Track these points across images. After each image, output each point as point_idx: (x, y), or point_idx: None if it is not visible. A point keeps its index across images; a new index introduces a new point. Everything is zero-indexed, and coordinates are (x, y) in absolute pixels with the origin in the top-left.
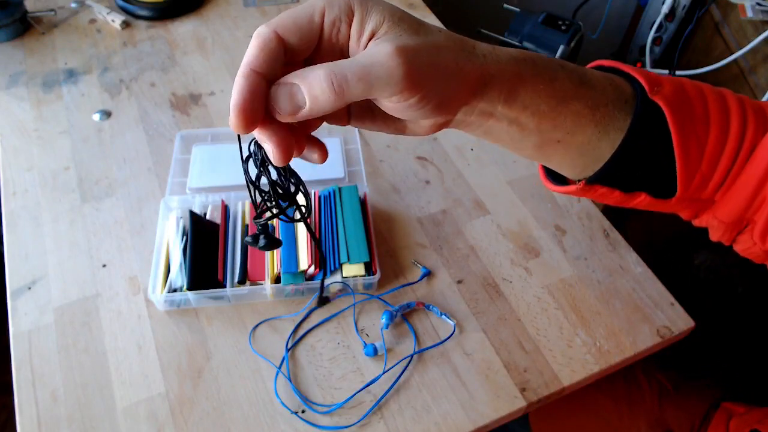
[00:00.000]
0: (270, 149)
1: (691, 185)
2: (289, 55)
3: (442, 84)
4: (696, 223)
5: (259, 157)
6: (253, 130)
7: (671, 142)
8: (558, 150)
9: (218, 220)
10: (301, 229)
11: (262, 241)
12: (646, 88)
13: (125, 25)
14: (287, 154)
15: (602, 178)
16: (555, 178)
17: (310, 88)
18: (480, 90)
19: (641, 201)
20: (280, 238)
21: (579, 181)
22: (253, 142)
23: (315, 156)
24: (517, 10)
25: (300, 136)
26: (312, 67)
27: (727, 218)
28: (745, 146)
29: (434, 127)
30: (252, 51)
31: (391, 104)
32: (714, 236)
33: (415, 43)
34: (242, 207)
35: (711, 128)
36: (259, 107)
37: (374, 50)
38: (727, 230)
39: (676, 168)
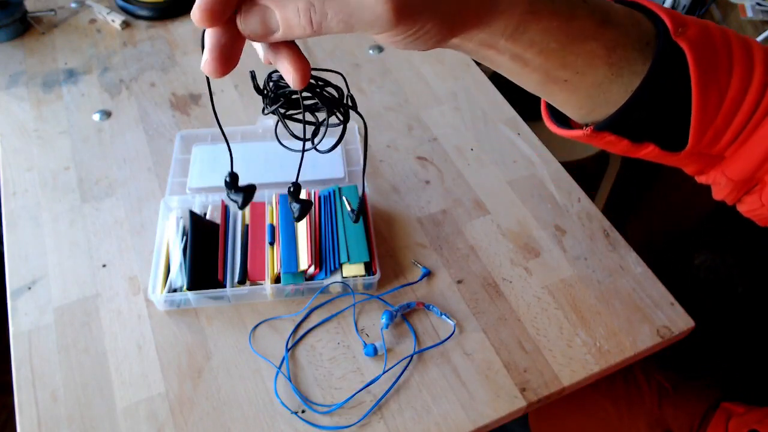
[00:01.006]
0: (290, 76)
1: (704, 138)
2: None
3: (436, 21)
4: (701, 179)
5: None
6: (212, 25)
7: (689, 90)
8: (564, 89)
9: (218, 220)
10: (301, 229)
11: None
12: (671, 28)
13: (125, 25)
14: (306, 74)
15: (612, 124)
16: (559, 119)
17: (286, 17)
18: (483, 23)
19: (649, 152)
20: (281, 236)
21: (586, 126)
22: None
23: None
24: None
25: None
26: None
27: (736, 176)
28: (765, 101)
29: (423, 49)
30: None
31: (375, 36)
32: (718, 195)
33: None
34: None
35: (733, 78)
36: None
37: None
38: (734, 189)
39: (692, 118)
